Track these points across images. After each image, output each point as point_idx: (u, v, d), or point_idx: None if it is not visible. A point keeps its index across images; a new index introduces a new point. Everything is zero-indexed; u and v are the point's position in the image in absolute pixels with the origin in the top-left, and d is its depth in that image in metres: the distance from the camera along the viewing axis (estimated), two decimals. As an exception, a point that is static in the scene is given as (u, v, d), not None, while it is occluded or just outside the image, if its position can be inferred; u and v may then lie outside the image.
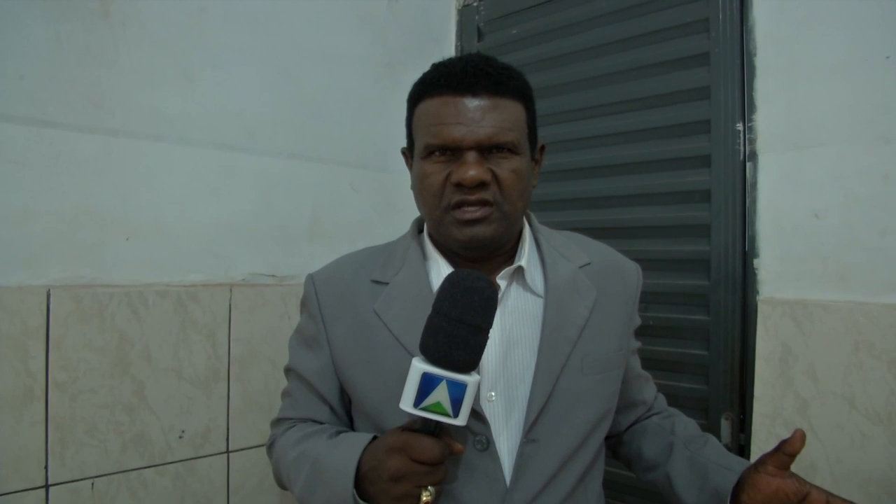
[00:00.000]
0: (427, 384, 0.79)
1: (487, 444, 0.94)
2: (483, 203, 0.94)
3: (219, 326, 1.48)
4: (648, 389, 1.18)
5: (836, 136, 1.31)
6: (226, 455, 1.49)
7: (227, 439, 1.49)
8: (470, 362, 0.80)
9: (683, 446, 1.07)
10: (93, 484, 1.31)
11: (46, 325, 1.26)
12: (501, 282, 1.00)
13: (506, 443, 0.95)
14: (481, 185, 0.92)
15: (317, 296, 1.08)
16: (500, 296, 0.95)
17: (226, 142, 1.50)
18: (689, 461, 1.04)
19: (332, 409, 1.07)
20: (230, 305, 1.50)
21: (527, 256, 1.03)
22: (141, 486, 1.38)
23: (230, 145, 1.51)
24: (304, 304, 1.11)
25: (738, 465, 0.97)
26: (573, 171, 1.70)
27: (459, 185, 0.92)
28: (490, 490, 0.93)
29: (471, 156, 0.92)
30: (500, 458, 0.95)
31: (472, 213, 0.94)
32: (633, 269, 1.15)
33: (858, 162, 1.28)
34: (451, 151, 0.93)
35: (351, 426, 1.09)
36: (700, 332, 1.48)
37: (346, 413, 1.09)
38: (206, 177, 1.48)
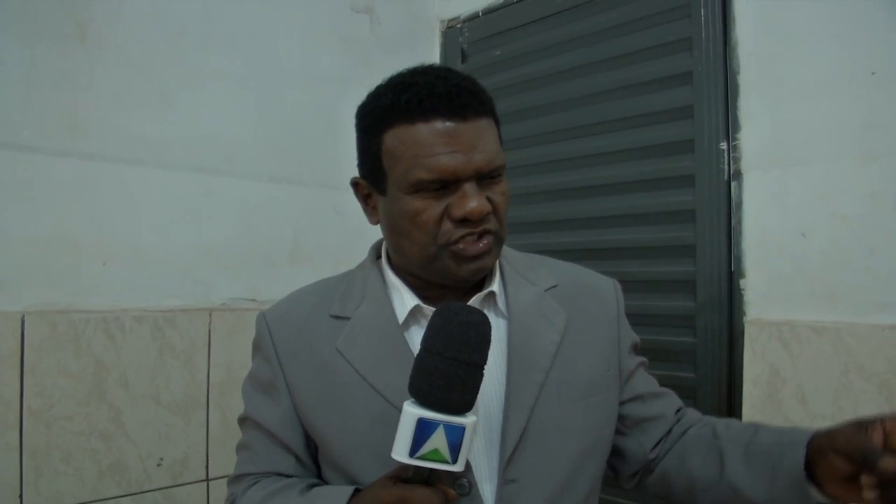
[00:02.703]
0: (423, 430, 0.74)
1: (470, 488, 0.87)
2: (487, 233, 0.87)
3: (198, 352, 1.46)
4: (666, 404, 1.05)
5: (821, 153, 1.29)
6: (205, 483, 1.47)
7: (207, 467, 1.47)
8: (467, 403, 0.75)
9: (734, 446, 0.93)
10: (69, 514, 1.29)
11: (21, 351, 1.25)
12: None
13: (487, 485, 0.88)
14: (484, 216, 0.85)
15: (271, 336, 0.98)
16: None
17: (205, 165, 1.49)
18: (746, 459, 0.91)
19: (297, 458, 0.97)
20: (209, 330, 1.48)
21: (497, 281, 0.96)
22: (117, 515, 1.35)
23: (209, 168, 1.50)
24: (258, 347, 1.01)
25: (800, 436, 0.85)
26: (557, 192, 1.68)
27: (464, 221, 0.85)
28: None
29: (471, 187, 0.84)
30: (485, 500, 0.87)
31: (477, 248, 0.86)
32: (608, 286, 1.06)
33: (845, 180, 1.26)
34: (445, 183, 0.85)
35: (319, 476, 0.99)
36: (687, 354, 1.45)
37: (314, 462, 0.99)
38: (185, 200, 1.47)
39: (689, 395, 1.42)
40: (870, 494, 0.74)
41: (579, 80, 1.65)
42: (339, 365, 0.92)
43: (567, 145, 1.66)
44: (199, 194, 1.49)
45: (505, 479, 0.87)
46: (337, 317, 0.95)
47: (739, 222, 1.39)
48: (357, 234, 1.62)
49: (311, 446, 0.97)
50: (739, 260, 1.39)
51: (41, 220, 1.28)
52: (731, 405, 1.38)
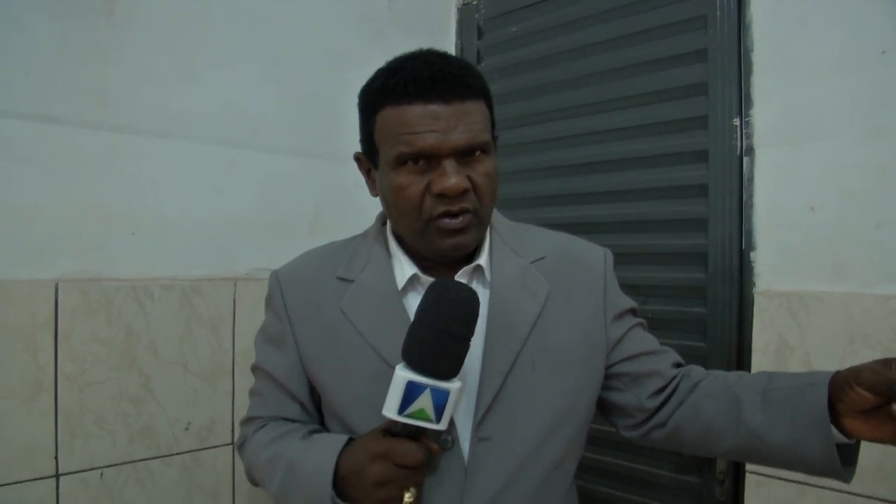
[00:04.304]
0: (411, 392, 0.81)
1: (452, 444, 0.94)
2: (464, 211, 0.93)
3: (223, 320, 1.50)
4: (662, 360, 1.09)
5: (831, 130, 1.33)
6: (231, 447, 1.51)
7: (233, 431, 1.52)
8: (453, 370, 0.82)
9: (750, 393, 0.96)
10: (101, 474, 1.34)
11: (55, 318, 1.29)
12: (461, 279, 0.99)
13: (465, 441, 0.95)
14: (463, 192, 0.91)
15: (282, 294, 1.06)
16: None
17: (229, 138, 1.52)
18: (765, 404, 0.94)
19: (302, 406, 1.07)
20: (234, 299, 1.52)
21: (486, 254, 1.02)
22: (148, 477, 1.40)
23: (233, 142, 1.53)
24: (269, 302, 1.09)
25: (820, 377, 0.89)
26: (573, 167, 1.72)
27: (441, 196, 0.91)
28: (452, 488, 0.94)
29: (449, 164, 0.90)
30: (463, 456, 0.95)
31: (455, 223, 0.92)
32: (597, 256, 1.11)
33: (854, 156, 1.30)
34: (427, 160, 0.91)
35: (321, 422, 1.08)
36: (698, 324, 1.50)
37: (317, 410, 1.08)
38: (210, 173, 1.50)
39: (700, 363, 1.43)
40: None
41: (595, 57, 1.68)
42: (342, 324, 1.00)
43: (583, 121, 1.70)
44: (224, 167, 1.52)
45: (478, 437, 0.94)
46: (342, 279, 1.03)
47: (751, 197, 1.43)
48: (374, 205, 1.66)
49: (315, 396, 1.06)
50: (750, 233, 1.43)
51: (72, 191, 1.31)
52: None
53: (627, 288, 1.49)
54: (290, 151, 1.64)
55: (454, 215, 0.92)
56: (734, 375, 1.04)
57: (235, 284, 1.52)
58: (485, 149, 0.93)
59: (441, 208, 0.91)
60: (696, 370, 1.09)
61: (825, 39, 1.34)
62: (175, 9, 1.44)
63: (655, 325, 1.51)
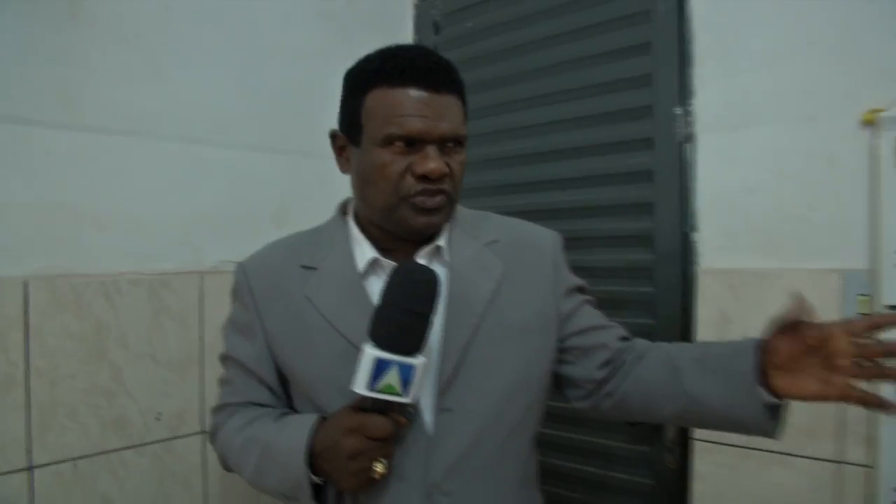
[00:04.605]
0: (380, 369, 0.87)
1: (417, 416, 1.00)
2: (439, 193, 1.00)
3: (190, 312, 1.55)
4: (609, 334, 1.17)
5: (766, 117, 1.42)
6: (201, 436, 1.56)
7: (202, 420, 1.56)
8: (418, 346, 0.89)
9: (689, 361, 1.05)
10: (75, 465, 1.37)
11: (25, 314, 1.31)
12: (422, 260, 1.05)
13: (428, 414, 1.01)
14: (441, 177, 0.98)
15: (248, 283, 1.11)
16: None
17: (194, 135, 1.56)
18: (702, 369, 1.02)
19: (271, 390, 1.11)
20: (201, 292, 1.56)
21: (445, 237, 1.09)
22: (121, 467, 1.44)
23: (198, 139, 1.57)
24: (236, 293, 1.14)
25: (750, 343, 0.98)
26: (527, 156, 1.79)
27: (423, 177, 0.97)
28: (418, 457, 1.00)
29: (433, 149, 0.97)
30: (426, 428, 1.01)
31: (431, 202, 0.99)
32: (546, 238, 1.18)
33: (786, 140, 1.39)
34: (412, 143, 0.97)
35: (290, 406, 1.13)
36: (646, 302, 1.58)
37: (286, 394, 1.13)
38: (176, 169, 1.54)
39: (649, 339, 1.51)
40: (845, 361, 0.88)
41: (545, 51, 1.75)
42: (308, 309, 1.05)
43: (534, 112, 1.77)
44: (189, 163, 1.56)
45: (441, 408, 1.01)
46: (306, 267, 1.09)
47: (693, 181, 1.52)
48: (337, 198, 1.72)
49: (282, 380, 1.11)
50: (693, 215, 1.52)
51: (42, 190, 1.34)
52: (685, 347, 1.52)
53: (580, 270, 1.57)
54: (254, 147, 1.68)
55: (432, 195, 0.99)
56: (675, 346, 1.13)
57: (202, 277, 1.56)
58: (461, 141, 1.02)
59: (420, 187, 0.98)
60: (641, 343, 1.17)
61: (760, 32, 1.43)
62: (138, 9, 1.47)
63: (607, 305, 1.58)
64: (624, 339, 1.18)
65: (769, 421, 0.96)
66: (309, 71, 1.79)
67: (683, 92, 1.53)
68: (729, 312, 1.44)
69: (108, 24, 1.42)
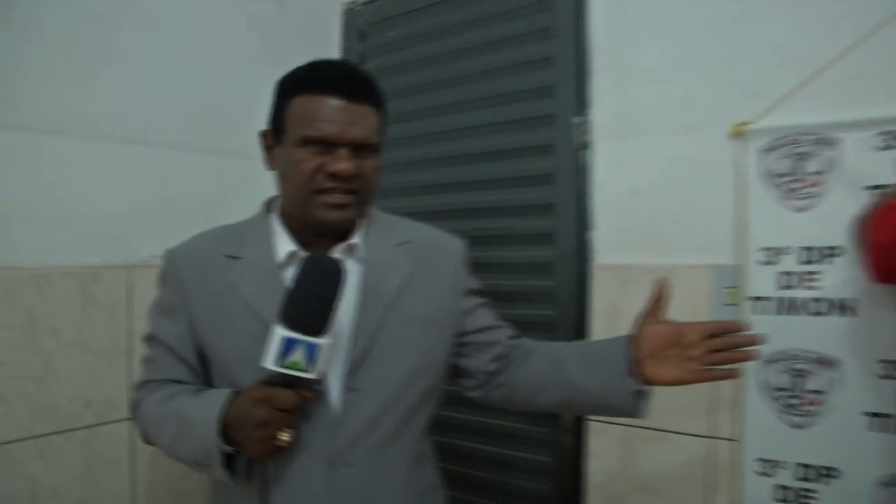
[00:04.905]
0: (288, 347, 0.98)
1: (324, 394, 1.11)
2: (349, 192, 1.12)
3: (119, 304, 1.62)
4: (501, 333, 1.31)
5: (651, 127, 1.57)
6: (129, 422, 1.62)
7: (129, 406, 1.63)
8: (323, 328, 1.00)
9: (571, 355, 1.22)
10: (5, 449, 1.43)
11: (-42, 305, 1.37)
12: (338, 255, 1.16)
13: (336, 391, 1.13)
14: (351, 177, 1.10)
15: (176, 268, 1.20)
16: None
17: (123, 135, 1.63)
18: (582, 361, 1.19)
19: (191, 369, 1.20)
20: (130, 285, 1.64)
21: (360, 235, 1.21)
22: (50, 450, 1.50)
23: (128, 138, 1.64)
24: (164, 277, 1.23)
25: (622, 338, 1.17)
26: (441, 160, 1.92)
27: (334, 176, 1.09)
28: (324, 430, 1.11)
29: (344, 152, 1.09)
30: (332, 404, 1.12)
31: (339, 199, 1.11)
32: (453, 244, 1.31)
33: (668, 149, 1.55)
34: (326, 145, 1.09)
35: (208, 384, 1.22)
36: (547, 295, 1.72)
37: (204, 372, 1.21)
38: (106, 168, 1.61)
39: (550, 329, 1.70)
40: (696, 352, 1.09)
41: (460, 62, 1.88)
42: (230, 294, 1.16)
43: (449, 119, 1.90)
44: (118, 162, 1.63)
45: (349, 388, 1.13)
46: (230, 256, 1.19)
47: (589, 185, 1.66)
48: (262, 197, 1.81)
49: (203, 360, 1.20)
50: (588, 216, 1.66)
51: (-26, 186, 1.41)
52: (581, 335, 1.66)
53: (488, 266, 1.72)
54: (182, 147, 1.76)
55: (342, 192, 1.11)
56: (558, 344, 1.30)
57: (131, 271, 1.64)
58: (373, 147, 1.13)
59: (330, 185, 1.10)
60: (528, 341, 1.33)
61: (647, 50, 1.58)
62: (71, 14, 1.54)
63: (513, 298, 1.74)
64: (513, 337, 1.33)
65: (636, 404, 1.15)
66: (238, 74, 1.88)
67: (581, 103, 1.67)
68: (619, 304, 1.59)
69: (41, 28, 1.49)
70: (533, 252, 1.75)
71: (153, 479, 1.68)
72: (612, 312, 1.59)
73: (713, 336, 1.09)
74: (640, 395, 1.15)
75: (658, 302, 1.15)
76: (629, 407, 1.15)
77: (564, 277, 1.69)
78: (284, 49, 1.96)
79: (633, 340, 1.15)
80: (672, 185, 1.54)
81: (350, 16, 2.16)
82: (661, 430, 1.54)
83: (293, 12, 2.04)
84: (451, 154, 1.90)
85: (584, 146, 1.67)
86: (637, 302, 1.53)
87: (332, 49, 2.14)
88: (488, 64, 1.82)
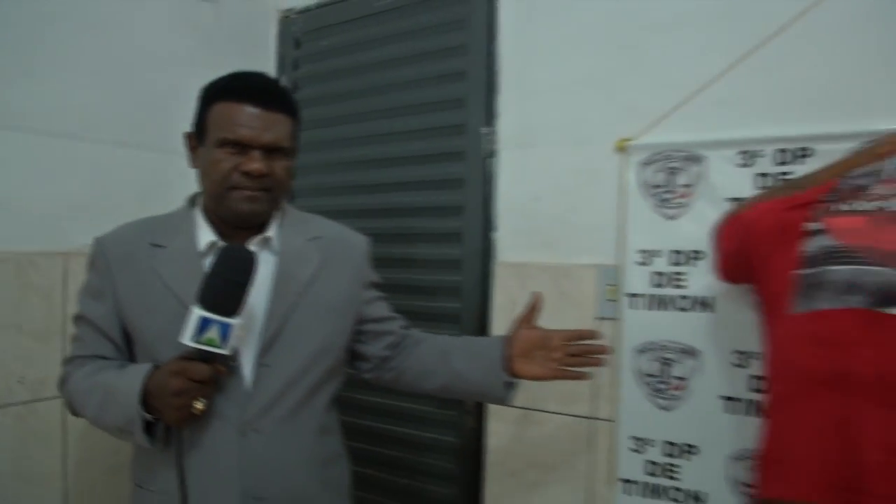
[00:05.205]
0: (203, 325, 1.12)
1: (237, 369, 1.25)
2: (261, 189, 1.26)
3: (55, 289, 1.72)
4: (395, 324, 1.48)
5: (549, 139, 1.75)
6: (59, 399, 1.71)
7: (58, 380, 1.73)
8: (236, 309, 1.14)
9: (456, 347, 1.43)
10: (-59, 422, 1.54)
11: None
12: (254, 247, 1.30)
13: (248, 366, 1.27)
14: (262, 176, 1.24)
15: (105, 253, 1.31)
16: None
17: (63, 130, 1.73)
18: (465, 353, 1.40)
19: (116, 346, 1.31)
20: (66, 271, 1.74)
21: (275, 229, 1.35)
22: (-16, 424, 1.61)
23: (67, 133, 1.74)
24: (93, 262, 1.33)
25: (500, 338, 1.40)
26: (362, 163, 2.07)
27: (247, 174, 1.23)
28: (237, 401, 1.25)
29: (257, 153, 1.24)
30: (245, 377, 1.26)
31: (252, 194, 1.25)
32: (359, 241, 1.47)
33: (562, 159, 1.73)
34: (241, 147, 1.23)
35: (131, 360, 1.32)
36: (455, 290, 1.89)
37: (128, 349, 1.32)
38: (46, 161, 1.70)
39: (457, 320, 1.86)
40: (558, 354, 1.33)
41: (383, 72, 2.03)
42: (154, 279, 1.29)
43: (371, 124, 2.05)
44: (58, 155, 1.72)
45: (260, 363, 1.27)
46: (155, 244, 1.32)
47: (494, 189, 1.83)
48: (190, 192, 1.94)
49: (128, 339, 1.33)
50: (493, 218, 1.83)
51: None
52: (483, 326, 1.83)
53: (402, 262, 1.89)
54: (119, 143, 1.86)
55: (254, 189, 1.25)
56: (445, 337, 1.49)
57: (67, 258, 1.74)
58: (285, 151, 1.28)
59: (244, 182, 1.24)
60: (417, 332, 1.51)
61: (548, 69, 1.75)
62: (14, 13, 1.63)
63: (425, 292, 1.90)
64: (405, 327, 1.51)
65: (506, 393, 1.37)
66: (175, 76, 1.98)
67: (489, 114, 1.84)
68: (517, 299, 1.75)
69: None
70: (443, 250, 1.91)
71: (84, 454, 1.78)
72: (511, 306, 1.76)
73: (573, 341, 1.35)
74: (510, 386, 1.37)
75: (532, 311, 1.37)
76: (500, 395, 1.38)
77: (470, 274, 1.85)
78: (221, 53, 2.09)
79: (508, 341, 1.37)
80: (565, 192, 1.72)
81: (286, 23, 2.28)
82: (551, 413, 1.71)
83: (231, 18, 2.16)
84: (372, 158, 2.05)
85: (491, 154, 1.84)
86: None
87: (267, 55, 2.27)
88: (408, 76, 1.98)
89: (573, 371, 1.34)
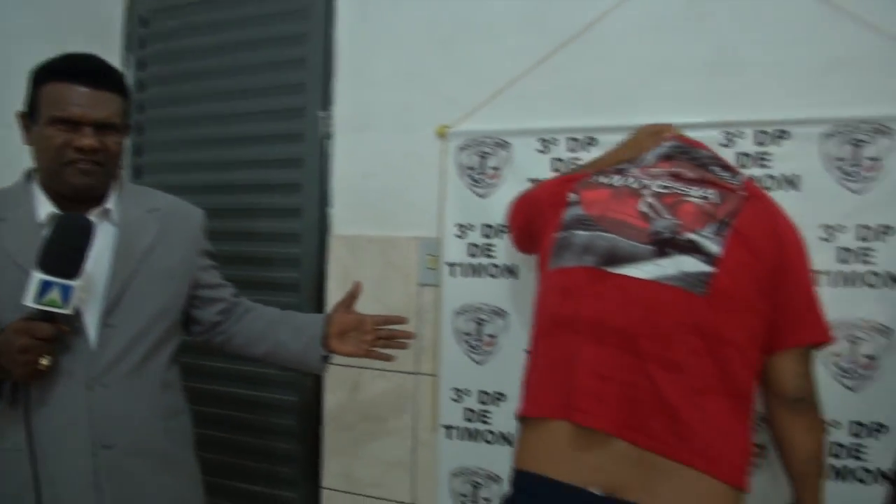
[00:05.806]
0: (45, 287, 1.21)
1: (81, 328, 1.35)
2: (93, 163, 1.35)
3: None
4: (226, 291, 1.61)
5: (380, 124, 1.93)
6: None
7: None
8: (75, 272, 1.24)
9: (281, 318, 1.60)
10: None
11: None
12: (93, 218, 1.37)
13: (93, 328, 1.37)
14: (95, 151, 1.33)
15: None
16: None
17: None
18: (290, 327, 1.57)
19: None
20: None
21: (113, 202, 1.45)
22: None
23: None
24: None
25: (321, 316, 1.58)
26: (209, 141, 2.16)
27: (80, 150, 1.32)
28: (83, 359, 1.35)
29: (88, 130, 1.32)
30: (90, 337, 1.36)
31: (85, 167, 1.34)
32: (195, 212, 1.58)
33: (391, 142, 1.91)
34: (72, 124, 1.31)
35: None
36: (294, 261, 2.03)
37: None
38: None
39: (296, 290, 2.01)
40: (368, 336, 1.54)
41: (228, 55, 2.12)
42: None
43: (216, 105, 2.14)
44: None
45: (105, 324, 1.38)
46: None
47: (330, 169, 1.99)
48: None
49: None
50: (329, 194, 1.99)
51: None
52: (320, 294, 2.00)
53: (245, 235, 2.03)
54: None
55: (86, 163, 1.33)
56: (273, 309, 1.65)
57: None
58: (116, 127, 1.37)
59: (77, 157, 1.33)
60: (247, 301, 1.66)
61: (380, 60, 1.92)
62: None
63: (266, 263, 2.04)
64: (236, 296, 1.65)
65: (321, 365, 1.58)
66: (16, 51, 2.00)
67: (326, 99, 1.99)
68: (349, 269, 1.93)
69: None
70: (283, 224, 2.05)
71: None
72: (344, 275, 1.94)
73: (383, 325, 1.57)
74: (325, 359, 1.57)
75: (351, 297, 1.57)
76: (316, 366, 1.59)
77: (308, 246, 2.00)
78: (64, 29, 2.12)
79: (328, 320, 1.56)
80: (394, 172, 1.91)
81: (133, 1, 2.32)
82: (380, 370, 1.90)
83: (77, -1, 2.19)
84: (216, 137, 2.14)
85: (328, 136, 1.99)
86: (364, 267, 1.91)
87: (113, 33, 2.29)
88: (251, 60, 2.09)
89: (381, 352, 1.57)
